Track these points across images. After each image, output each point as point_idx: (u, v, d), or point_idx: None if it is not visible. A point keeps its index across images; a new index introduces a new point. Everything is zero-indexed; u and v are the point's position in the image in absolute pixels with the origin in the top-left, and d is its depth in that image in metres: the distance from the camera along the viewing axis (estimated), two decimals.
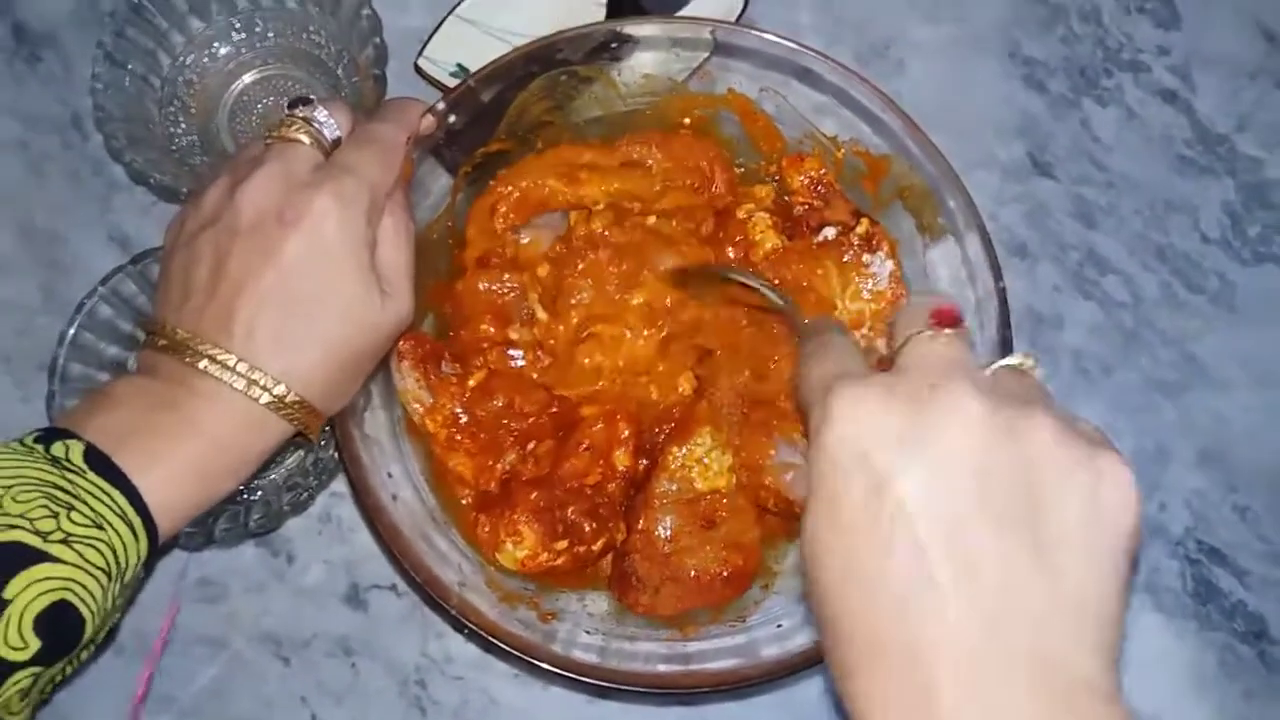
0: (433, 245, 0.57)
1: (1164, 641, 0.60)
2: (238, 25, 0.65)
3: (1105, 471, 0.32)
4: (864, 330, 0.56)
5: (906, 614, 0.31)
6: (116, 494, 0.41)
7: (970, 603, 0.30)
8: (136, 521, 0.42)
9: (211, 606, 0.60)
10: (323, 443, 0.57)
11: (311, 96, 0.50)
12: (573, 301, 0.56)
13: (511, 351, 0.56)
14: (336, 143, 0.48)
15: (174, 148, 0.64)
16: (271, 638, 0.59)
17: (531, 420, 0.55)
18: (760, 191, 0.59)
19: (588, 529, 0.53)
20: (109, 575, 0.41)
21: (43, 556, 0.39)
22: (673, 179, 0.59)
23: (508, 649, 0.49)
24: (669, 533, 0.53)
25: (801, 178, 0.58)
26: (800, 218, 0.58)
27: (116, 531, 0.41)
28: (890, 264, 0.56)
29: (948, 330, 0.36)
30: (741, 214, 0.58)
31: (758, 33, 0.55)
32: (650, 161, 0.59)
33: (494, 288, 0.57)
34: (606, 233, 0.56)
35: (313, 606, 0.60)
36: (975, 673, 0.30)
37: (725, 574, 0.53)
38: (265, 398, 0.44)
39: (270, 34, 0.66)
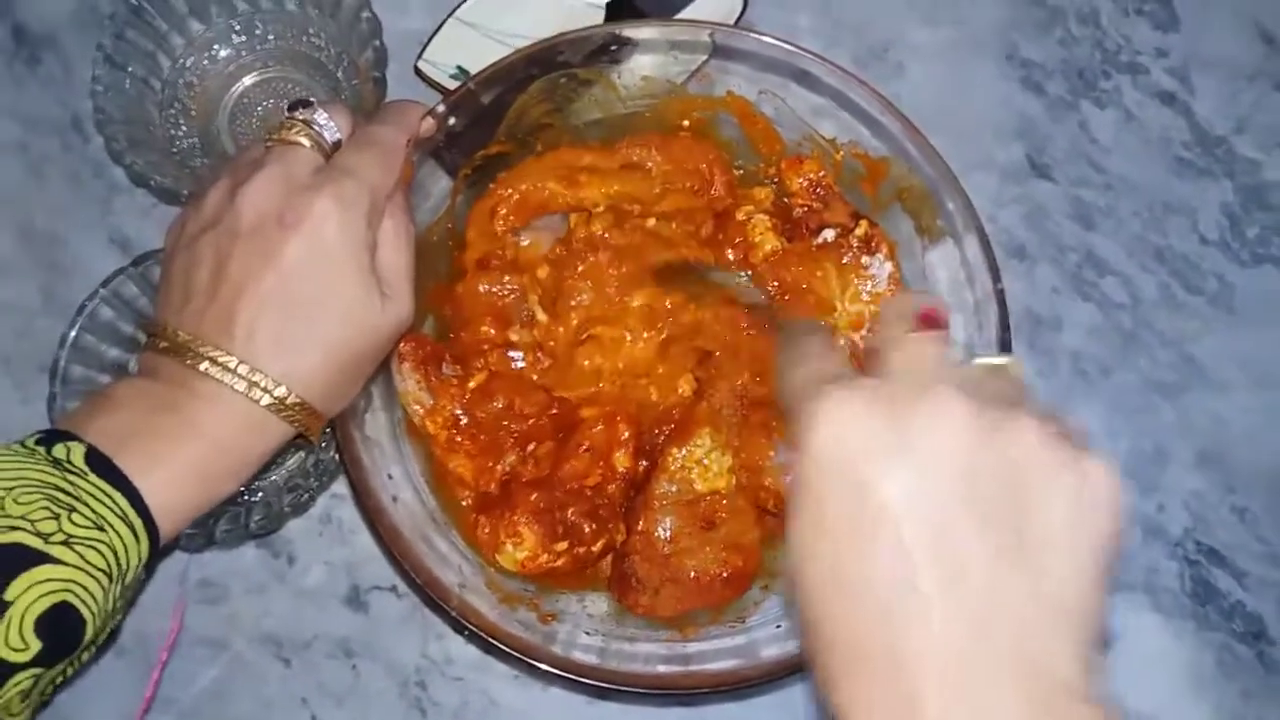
0: (433, 247, 0.57)
1: (1162, 642, 0.60)
2: (238, 28, 0.65)
3: (1090, 473, 0.32)
4: (864, 332, 0.56)
5: (891, 620, 0.31)
6: (118, 496, 0.41)
7: (955, 608, 0.30)
8: (137, 523, 0.42)
9: (212, 608, 0.60)
10: (323, 444, 0.57)
11: (311, 99, 0.50)
12: (572, 303, 0.56)
13: (511, 353, 0.56)
14: (337, 145, 0.49)
15: (174, 150, 0.64)
16: (272, 639, 0.60)
17: (531, 422, 0.55)
18: (759, 194, 0.59)
19: (587, 530, 0.53)
20: (110, 577, 0.41)
21: (44, 558, 0.39)
22: (672, 181, 0.59)
23: (508, 650, 0.49)
24: (669, 534, 0.54)
25: (800, 180, 0.58)
26: (799, 220, 0.58)
27: (117, 533, 0.41)
28: (889, 266, 0.56)
29: (931, 332, 0.35)
30: (741, 216, 0.58)
31: (756, 35, 0.56)
32: (650, 164, 0.59)
33: (494, 290, 0.57)
34: (606, 235, 0.56)
35: (313, 608, 0.60)
36: (960, 679, 0.30)
37: (725, 575, 0.53)
38: (266, 399, 0.44)
39: (270, 36, 0.66)
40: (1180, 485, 0.62)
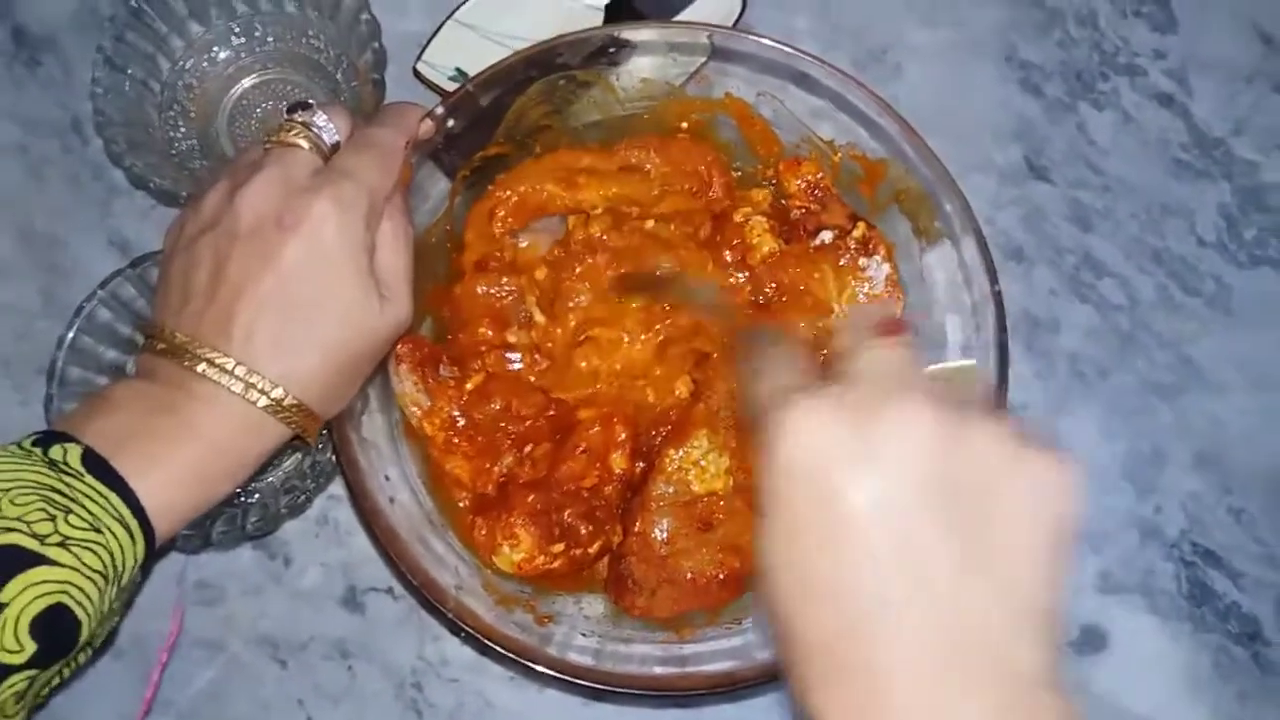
0: (431, 249, 0.57)
1: (1159, 643, 0.60)
2: (237, 30, 0.65)
3: (1046, 469, 0.33)
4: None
5: (862, 627, 0.32)
6: (114, 497, 0.41)
7: (922, 614, 0.31)
8: (134, 524, 0.42)
9: (209, 609, 0.60)
10: (320, 446, 0.57)
11: (310, 101, 0.50)
12: (570, 305, 0.56)
13: (509, 355, 0.56)
14: (335, 147, 0.49)
15: (173, 152, 0.64)
16: (269, 640, 0.60)
17: (529, 423, 0.55)
18: (757, 195, 0.59)
19: (584, 532, 0.53)
20: (106, 578, 0.41)
21: (40, 559, 0.39)
22: (670, 183, 0.59)
23: (504, 652, 0.49)
24: (666, 535, 0.54)
25: (798, 182, 0.58)
26: (797, 221, 0.58)
27: (114, 535, 0.41)
28: (887, 267, 0.56)
29: (893, 339, 0.36)
30: (739, 218, 0.58)
31: (755, 38, 0.56)
32: (648, 166, 0.59)
33: (492, 291, 0.57)
34: (604, 237, 0.56)
35: (310, 609, 0.60)
36: (930, 683, 0.31)
37: (722, 576, 0.53)
38: (263, 401, 0.44)
39: (269, 38, 0.66)
40: (1177, 486, 0.62)
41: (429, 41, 0.64)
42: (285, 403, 0.45)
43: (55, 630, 0.39)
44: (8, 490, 0.40)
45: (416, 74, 0.64)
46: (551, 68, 0.56)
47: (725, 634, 0.52)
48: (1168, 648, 0.60)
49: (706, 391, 0.55)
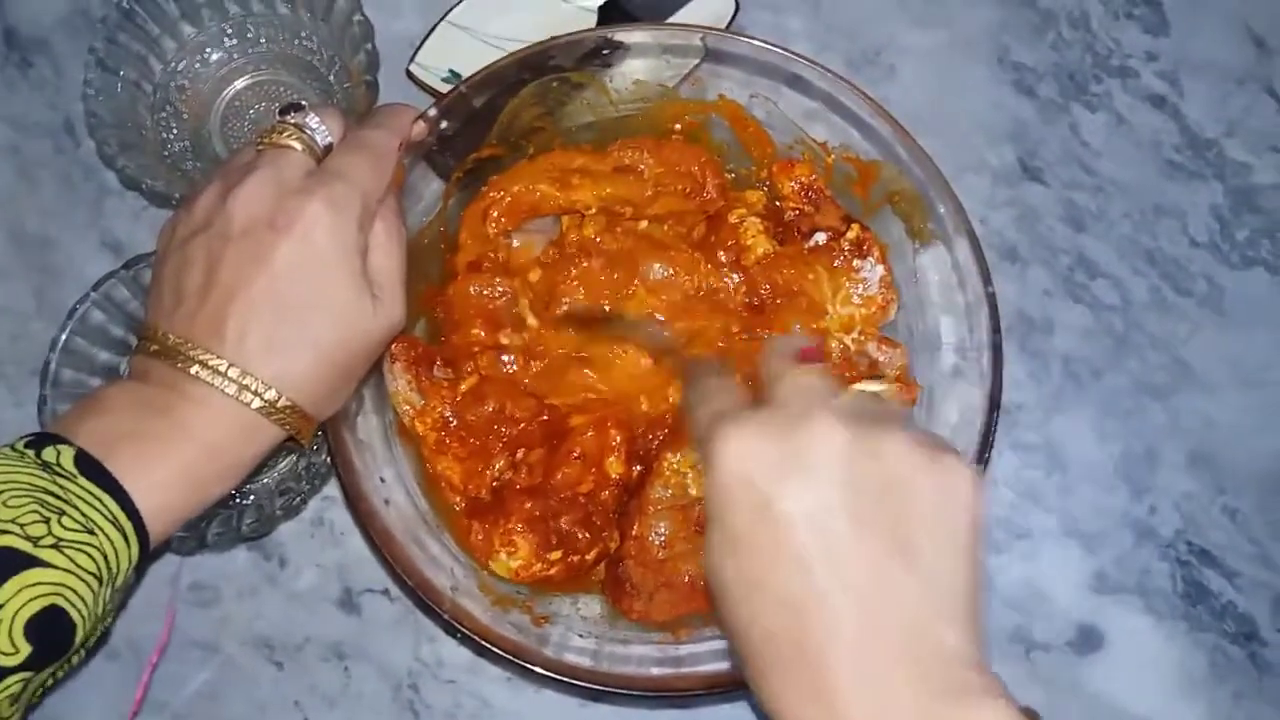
0: (424, 250, 0.57)
1: (1154, 643, 0.60)
2: (229, 31, 0.65)
3: (949, 471, 0.37)
4: (854, 334, 0.56)
5: (798, 620, 0.35)
6: (107, 499, 0.41)
7: (849, 605, 0.35)
8: (128, 526, 0.42)
9: (204, 611, 0.60)
10: (315, 447, 0.57)
11: (303, 102, 0.50)
12: (563, 308, 0.56)
13: (503, 356, 0.56)
14: (328, 149, 0.48)
15: (166, 153, 0.64)
16: (264, 642, 0.59)
17: (522, 426, 0.55)
18: (751, 197, 0.59)
19: (581, 538, 0.53)
20: (100, 580, 0.41)
21: (33, 562, 0.39)
22: (664, 184, 0.59)
23: (500, 653, 0.49)
24: (663, 539, 0.53)
25: (792, 183, 0.58)
26: (791, 223, 0.58)
27: (108, 536, 0.41)
28: (881, 269, 0.56)
29: (809, 366, 0.41)
30: (733, 219, 0.58)
31: (748, 39, 0.56)
32: (642, 167, 0.59)
33: (485, 292, 0.57)
34: (598, 239, 0.56)
35: (305, 611, 0.60)
36: (863, 667, 0.34)
37: None
38: (257, 403, 0.44)
39: (262, 40, 0.66)
40: (1171, 487, 0.62)
41: (422, 43, 0.64)
42: (279, 404, 0.45)
43: (50, 632, 0.39)
44: (1, 493, 0.40)
45: (409, 75, 0.64)
46: (545, 69, 0.56)
47: (722, 635, 0.52)
48: (1163, 647, 0.60)
49: None
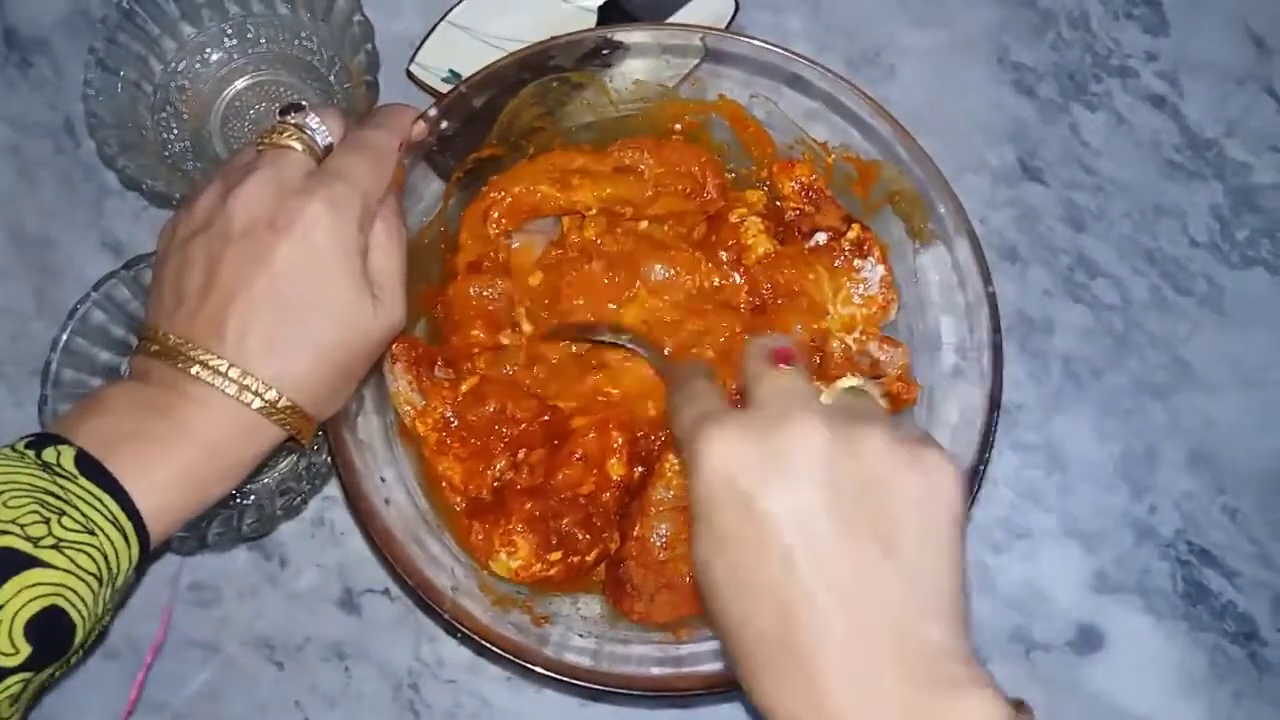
0: (425, 250, 0.57)
1: (1154, 643, 0.60)
2: (230, 31, 0.65)
3: (930, 467, 0.37)
4: (855, 334, 0.56)
5: (785, 617, 0.36)
6: (108, 499, 0.41)
7: (834, 600, 0.35)
8: (128, 527, 0.42)
9: (204, 610, 0.60)
10: (315, 447, 0.57)
11: (304, 103, 0.50)
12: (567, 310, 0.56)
13: (505, 358, 0.56)
14: (329, 149, 0.48)
15: (166, 153, 0.64)
16: (264, 642, 0.59)
17: (523, 427, 0.55)
18: (752, 197, 0.59)
19: (582, 539, 0.53)
20: (100, 580, 0.41)
21: (34, 562, 0.39)
22: (665, 184, 0.59)
23: (501, 653, 0.49)
24: (664, 540, 0.53)
25: (792, 183, 0.58)
26: (792, 223, 0.58)
27: (108, 537, 0.41)
28: (881, 269, 0.56)
29: (787, 366, 0.41)
30: (733, 219, 0.58)
31: (748, 39, 0.56)
32: (642, 167, 0.59)
33: (485, 293, 0.57)
34: (599, 240, 0.56)
35: (306, 611, 0.60)
36: (849, 661, 0.35)
37: None
38: (257, 403, 0.44)
39: (262, 40, 0.66)
40: (1171, 486, 0.62)
41: (422, 43, 0.64)
42: (279, 404, 0.45)
43: (50, 632, 0.39)
44: (1, 493, 0.40)
45: (410, 76, 0.64)
46: (545, 69, 0.56)
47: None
48: (1164, 647, 0.60)
49: None
